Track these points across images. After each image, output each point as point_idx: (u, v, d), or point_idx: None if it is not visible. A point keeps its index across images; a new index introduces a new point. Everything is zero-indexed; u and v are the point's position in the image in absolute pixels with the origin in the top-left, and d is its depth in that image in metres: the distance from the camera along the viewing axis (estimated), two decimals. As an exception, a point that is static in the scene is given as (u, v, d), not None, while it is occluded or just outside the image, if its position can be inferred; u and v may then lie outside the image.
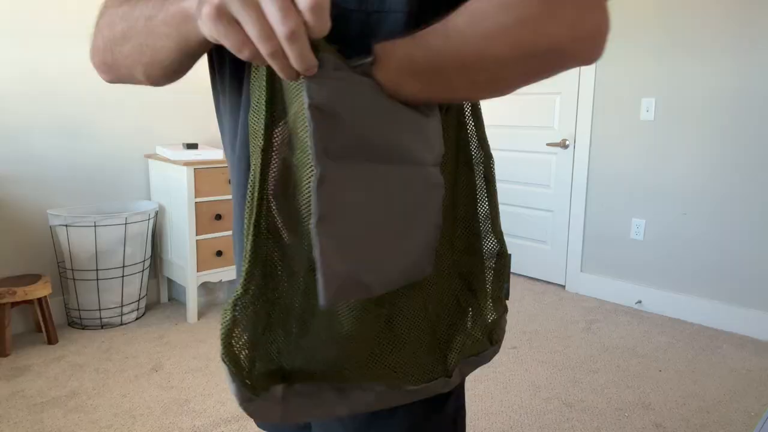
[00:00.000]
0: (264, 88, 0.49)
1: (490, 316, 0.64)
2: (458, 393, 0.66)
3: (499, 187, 3.69)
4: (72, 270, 2.55)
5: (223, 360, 0.48)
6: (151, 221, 2.74)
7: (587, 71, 3.14)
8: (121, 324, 2.69)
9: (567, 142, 3.30)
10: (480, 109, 0.62)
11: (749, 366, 2.35)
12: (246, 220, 0.49)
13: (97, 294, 2.59)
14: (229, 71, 0.62)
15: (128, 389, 2.08)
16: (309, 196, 0.46)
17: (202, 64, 0.74)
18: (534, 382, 2.18)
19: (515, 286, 3.45)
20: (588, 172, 3.22)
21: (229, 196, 2.75)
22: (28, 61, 2.52)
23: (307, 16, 0.39)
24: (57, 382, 2.12)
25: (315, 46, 0.43)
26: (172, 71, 0.57)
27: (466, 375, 0.62)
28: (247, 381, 0.49)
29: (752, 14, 2.55)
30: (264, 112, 0.49)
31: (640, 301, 3.05)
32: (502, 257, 0.64)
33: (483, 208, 0.64)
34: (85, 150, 2.73)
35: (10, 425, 1.82)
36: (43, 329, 2.44)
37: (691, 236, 2.85)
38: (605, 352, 2.48)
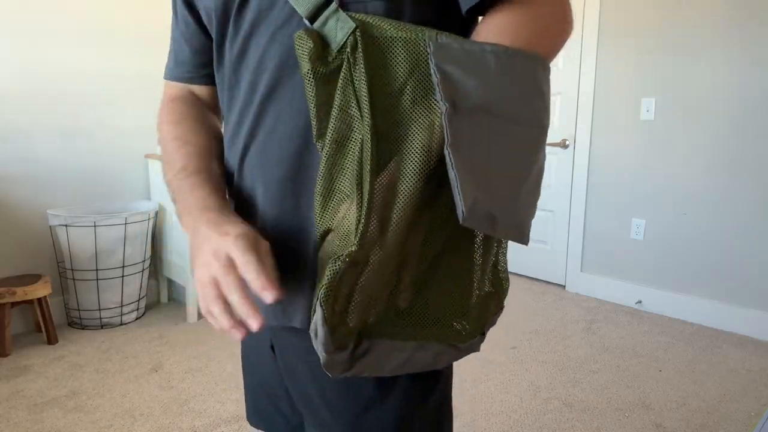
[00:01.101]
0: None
1: (497, 279, 0.70)
2: (444, 383, 0.69)
3: (499, 187, 3.69)
4: (72, 270, 2.55)
5: (321, 304, 0.53)
6: (151, 221, 2.74)
7: (587, 71, 3.14)
8: (121, 324, 2.69)
9: (567, 142, 3.30)
10: None
11: (749, 366, 2.35)
12: (357, 173, 0.53)
13: (97, 294, 2.59)
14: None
15: (128, 389, 2.08)
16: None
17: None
18: (534, 382, 2.18)
19: (515, 285, 3.45)
20: (588, 172, 3.22)
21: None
22: (28, 61, 2.52)
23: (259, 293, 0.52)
24: (57, 382, 2.12)
25: (421, 44, 0.54)
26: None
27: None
28: (334, 332, 0.54)
29: (752, 14, 2.55)
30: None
31: (640, 301, 3.05)
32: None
33: None
34: (85, 150, 2.73)
35: (10, 425, 1.82)
36: (43, 329, 2.44)
37: (691, 236, 2.85)
38: (605, 352, 2.48)
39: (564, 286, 3.43)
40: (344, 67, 0.54)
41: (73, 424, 1.83)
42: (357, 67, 0.54)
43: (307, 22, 0.56)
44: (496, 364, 2.34)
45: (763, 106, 2.57)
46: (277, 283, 0.53)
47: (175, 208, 0.66)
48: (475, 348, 0.65)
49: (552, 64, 3.29)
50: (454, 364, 2.33)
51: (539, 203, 3.48)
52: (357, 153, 0.53)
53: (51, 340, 2.45)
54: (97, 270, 2.55)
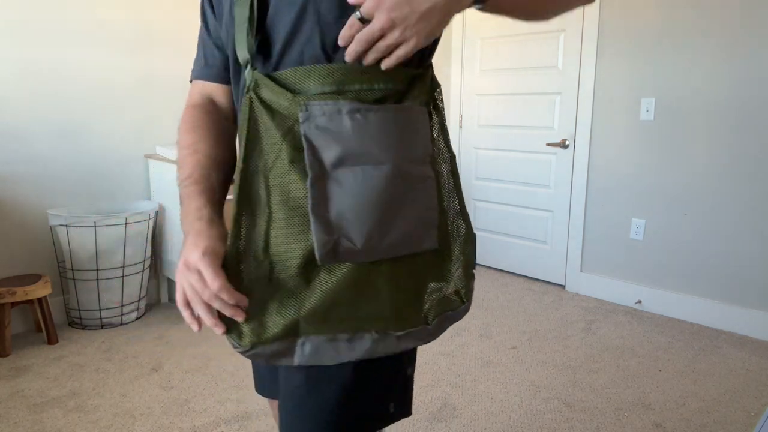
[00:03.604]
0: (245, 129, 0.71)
1: (460, 282, 0.80)
2: (395, 367, 0.79)
3: (499, 187, 3.69)
4: (72, 270, 2.55)
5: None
6: (151, 221, 2.74)
7: (587, 71, 3.14)
8: (121, 324, 2.69)
9: (567, 142, 3.30)
10: (446, 125, 0.82)
11: (749, 366, 2.35)
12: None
13: (97, 294, 2.59)
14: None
15: (128, 389, 2.08)
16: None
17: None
18: (534, 382, 2.18)
19: (515, 285, 3.45)
20: (588, 172, 3.22)
21: (229, 196, 2.75)
22: (28, 61, 2.52)
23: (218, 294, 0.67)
24: (57, 382, 2.12)
25: (304, 91, 0.69)
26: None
27: (445, 329, 0.79)
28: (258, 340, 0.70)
29: (752, 14, 2.55)
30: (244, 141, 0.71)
31: (639, 301, 3.05)
32: (469, 236, 0.81)
33: (453, 200, 0.81)
34: (85, 150, 2.73)
35: (10, 425, 1.82)
36: (43, 329, 2.44)
37: (691, 236, 2.85)
38: (605, 352, 2.48)
39: (564, 286, 3.43)
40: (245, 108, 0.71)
41: (73, 424, 1.84)
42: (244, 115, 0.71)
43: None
44: (496, 364, 2.34)
45: (762, 106, 2.57)
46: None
47: (180, 212, 0.76)
48: (422, 337, 0.75)
49: (552, 64, 3.30)
50: (454, 364, 2.33)
51: (539, 203, 3.49)
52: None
53: (51, 340, 2.45)
54: (97, 270, 2.55)
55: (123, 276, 2.63)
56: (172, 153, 2.64)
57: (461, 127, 3.87)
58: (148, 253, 2.78)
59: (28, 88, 2.53)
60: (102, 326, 2.65)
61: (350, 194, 0.68)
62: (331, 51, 0.70)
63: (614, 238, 3.15)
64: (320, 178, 0.67)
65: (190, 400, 2.01)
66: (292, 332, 0.69)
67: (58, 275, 2.69)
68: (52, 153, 2.63)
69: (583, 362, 2.37)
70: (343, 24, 0.66)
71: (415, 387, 2.12)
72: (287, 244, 0.69)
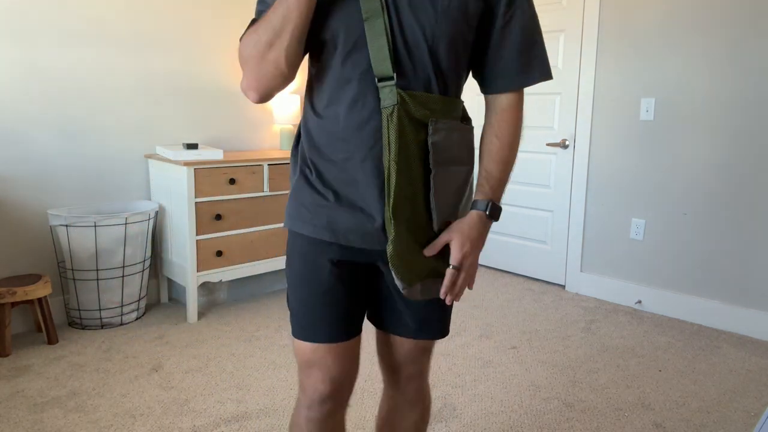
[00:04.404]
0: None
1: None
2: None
3: (499, 187, 3.69)
4: (72, 270, 2.55)
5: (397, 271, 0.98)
6: (151, 221, 2.74)
7: (587, 71, 3.14)
8: (121, 324, 2.69)
9: (567, 142, 3.30)
10: None
11: (749, 366, 2.35)
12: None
13: (97, 294, 2.59)
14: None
15: (128, 389, 2.08)
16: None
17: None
18: (534, 382, 2.18)
19: (515, 285, 3.45)
20: (588, 172, 3.22)
21: (229, 197, 2.76)
22: (28, 61, 2.52)
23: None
24: (57, 382, 2.12)
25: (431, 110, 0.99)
26: (299, 51, 0.93)
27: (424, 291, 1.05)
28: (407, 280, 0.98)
29: (752, 14, 2.55)
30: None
31: (639, 301, 3.05)
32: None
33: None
34: (85, 150, 2.73)
35: (10, 425, 1.82)
36: (44, 329, 2.44)
37: (691, 236, 2.85)
38: (605, 352, 2.48)
39: (564, 286, 3.43)
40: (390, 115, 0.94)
41: (73, 424, 1.84)
42: (391, 122, 0.92)
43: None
44: (496, 364, 2.34)
45: (762, 106, 2.57)
46: None
47: (277, 21, 0.90)
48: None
49: (552, 65, 3.29)
50: (454, 364, 2.33)
51: (539, 203, 3.49)
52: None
53: (51, 340, 2.45)
54: (97, 270, 2.56)
55: (123, 276, 2.63)
56: (172, 153, 2.64)
57: (461, 127, 3.87)
58: (148, 253, 2.78)
59: (29, 89, 2.53)
60: (102, 326, 2.65)
61: (452, 183, 1.00)
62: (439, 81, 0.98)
63: (614, 238, 3.15)
64: (438, 170, 0.96)
65: (190, 400, 2.01)
66: (421, 278, 1.00)
67: (58, 275, 2.69)
68: (52, 153, 2.63)
69: (583, 362, 2.37)
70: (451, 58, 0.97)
71: (415, 387, 2.13)
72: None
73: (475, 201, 1.02)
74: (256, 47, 0.91)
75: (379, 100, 0.92)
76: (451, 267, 0.97)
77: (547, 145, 3.36)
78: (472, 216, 1.01)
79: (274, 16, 0.90)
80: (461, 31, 0.95)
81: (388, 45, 0.90)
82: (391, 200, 0.92)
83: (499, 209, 1.03)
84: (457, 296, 1.00)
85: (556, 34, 3.27)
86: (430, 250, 0.99)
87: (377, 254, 1.01)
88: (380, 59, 0.91)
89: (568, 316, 2.93)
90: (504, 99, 1.04)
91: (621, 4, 2.97)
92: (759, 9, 2.53)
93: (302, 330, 1.04)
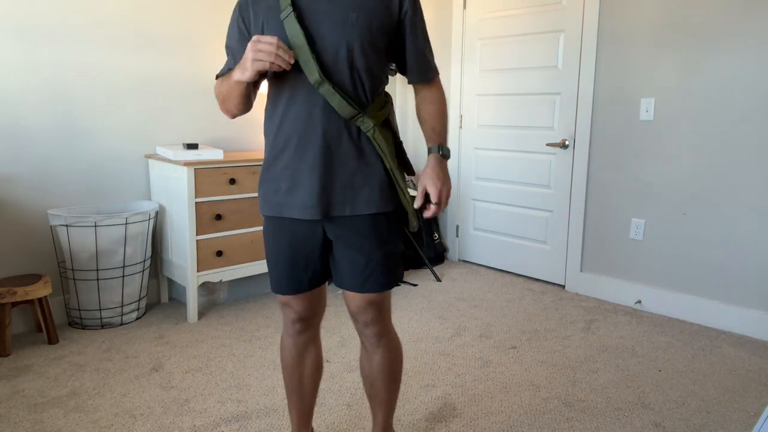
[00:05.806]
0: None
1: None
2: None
3: (499, 187, 3.69)
4: (72, 270, 2.55)
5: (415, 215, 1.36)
6: (152, 221, 2.74)
7: (587, 71, 3.14)
8: (122, 324, 2.69)
9: (567, 142, 3.30)
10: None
11: (748, 366, 2.35)
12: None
13: (97, 294, 2.59)
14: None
15: (128, 389, 2.08)
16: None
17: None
18: (534, 382, 2.18)
19: (515, 285, 3.45)
20: (588, 172, 3.22)
21: (229, 197, 2.76)
22: (29, 61, 2.52)
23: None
24: (57, 382, 2.12)
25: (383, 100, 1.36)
26: (242, 105, 1.29)
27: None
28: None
29: (752, 14, 2.55)
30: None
31: (639, 301, 3.06)
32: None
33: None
34: (85, 150, 2.73)
35: (10, 425, 1.82)
36: (44, 329, 2.45)
37: (691, 236, 2.85)
38: (605, 351, 2.48)
39: (563, 286, 3.43)
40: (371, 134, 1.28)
41: (73, 423, 1.84)
42: (377, 137, 1.28)
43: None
44: (496, 364, 2.34)
45: (762, 106, 2.57)
46: None
47: (225, 89, 1.26)
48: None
49: (551, 65, 3.31)
50: (454, 364, 2.33)
51: (539, 203, 3.49)
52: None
53: (51, 340, 2.45)
54: (97, 270, 2.56)
55: (123, 276, 2.63)
56: (172, 153, 2.64)
57: (461, 127, 3.87)
58: (148, 253, 2.78)
59: (29, 89, 2.53)
60: (102, 326, 2.65)
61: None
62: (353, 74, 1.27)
63: (614, 238, 3.15)
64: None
65: (190, 400, 2.01)
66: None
67: (58, 275, 2.69)
68: (52, 153, 2.63)
69: (582, 362, 2.37)
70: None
71: (415, 387, 2.13)
72: None
73: (429, 148, 1.33)
74: (218, 97, 1.30)
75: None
76: (433, 204, 1.30)
77: (547, 145, 3.36)
78: (431, 159, 1.32)
79: (224, 85, 1.25)
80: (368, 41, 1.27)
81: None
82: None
83: (448, 150, 1.34)
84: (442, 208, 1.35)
85: (556, 34, 3.27)
86: (418, 202, 1.31)
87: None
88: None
89: (568, 316, 2.94)
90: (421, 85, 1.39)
91: (621, 4, 2.97)
92: (759, 9, 2.53)
93: (275, 285, 1.39)
